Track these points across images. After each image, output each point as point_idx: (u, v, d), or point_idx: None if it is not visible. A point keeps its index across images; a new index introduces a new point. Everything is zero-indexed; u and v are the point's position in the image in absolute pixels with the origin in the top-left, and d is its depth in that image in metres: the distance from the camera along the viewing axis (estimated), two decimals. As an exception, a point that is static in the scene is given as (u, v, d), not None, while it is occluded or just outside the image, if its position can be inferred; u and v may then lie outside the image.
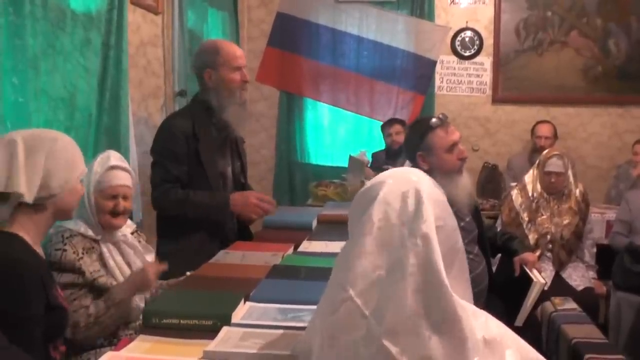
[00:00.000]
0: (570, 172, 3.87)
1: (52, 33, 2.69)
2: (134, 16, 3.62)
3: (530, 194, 3.89)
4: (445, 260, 1.12)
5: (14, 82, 2.40)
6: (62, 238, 2.20)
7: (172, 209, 2.90)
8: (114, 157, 2.38)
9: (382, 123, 5.38)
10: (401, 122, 5.29)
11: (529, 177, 3.96)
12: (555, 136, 5.30)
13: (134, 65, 3.60)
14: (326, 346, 1.14)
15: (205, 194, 2.90)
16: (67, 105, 2.82)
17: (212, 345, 1.53)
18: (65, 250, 2.17)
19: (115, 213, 2.32)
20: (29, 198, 1.82)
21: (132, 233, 2.49)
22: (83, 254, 2.21)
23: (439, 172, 2.76)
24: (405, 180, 1.20)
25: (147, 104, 3.90)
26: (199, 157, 2.89)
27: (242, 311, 1.78)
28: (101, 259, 2.29)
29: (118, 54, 3.19)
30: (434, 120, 2.81)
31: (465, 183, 2.78)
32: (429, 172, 2.85)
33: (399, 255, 1.11)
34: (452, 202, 2.68)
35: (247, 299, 1.87)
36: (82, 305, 2.15)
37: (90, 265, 2.21)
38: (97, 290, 2.22)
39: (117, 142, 3.09)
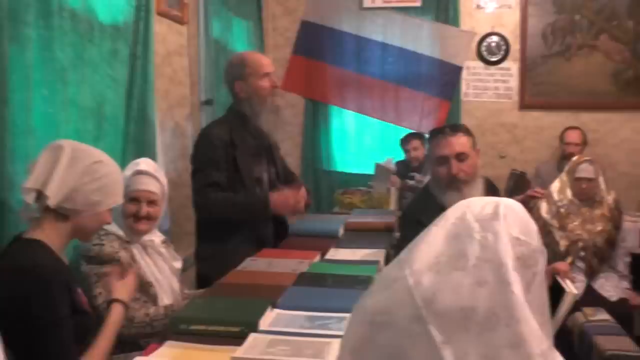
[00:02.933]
0: (601, 179, 3.81)
1: (80, 45, 2.73)
2: (160, 27, 3.65)
3: (558, 201, 3.82)
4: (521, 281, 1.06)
5: (43, 94, 2.43)
6: (98, 235, 2.28)
7: (214, 211, 2.98)
8: (143, 163, 2.49)
9: (400, 138, 5.38)
10: (419, 136, 5.26)
11: (556, 186, 3.88)
12: (584, 142, 5.22)
13: (160, 75, 3.63)
14: (367, 322, 1.10)
15: (245, 194, 2.99)
16: (95, 115, 2.86)
17: (240, 351, 1.53)
18: (102, 244, 2.28)
19: (137, 217, 2.38)
20: (51, 202, 1.86)
21: (162, 243, 2.56)
22: (119, 249, 2.31)
23: (434, 180, 2.74)
24: (489, 198, 1.19)
25: (174, 113, 3.93)
26: (236, 163, 2.99)
27: (269, 318, 1.78)
28: (133, 260, 2.35)
29: (145, 64, 3.22)
30: (437, 128, 2.81)
31: (459, 199, 2.59)
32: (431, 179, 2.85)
33: (464, 245, 1.07)
34: None
35: (274, 306, 1.87)
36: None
37: (126, 260, 2.30)
38: (136, 283, 2.29)
39: (144, 151, 3.12)
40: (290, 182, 3.30)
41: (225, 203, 2.94)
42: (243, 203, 2.97)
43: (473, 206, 1.14)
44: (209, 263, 2.94)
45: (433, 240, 1.11)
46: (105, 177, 1.95)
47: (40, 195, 1.87)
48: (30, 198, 1.89)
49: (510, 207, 1.13)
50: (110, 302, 2.06)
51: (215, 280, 2.28)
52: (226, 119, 3.16)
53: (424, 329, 1.02)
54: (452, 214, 1.14)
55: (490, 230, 1.08)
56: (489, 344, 1.00)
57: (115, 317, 2.02)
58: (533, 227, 1.14)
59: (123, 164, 2.66)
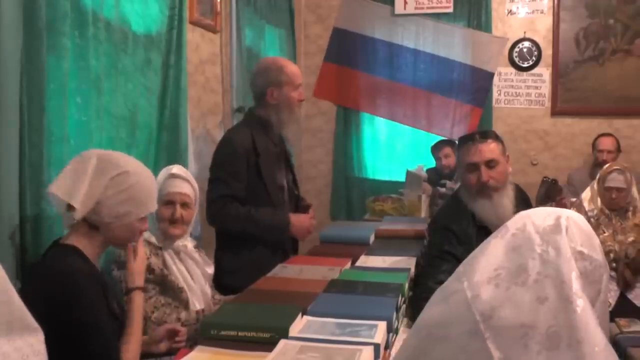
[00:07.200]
0: (634, 188, 3.72)
1: (114, 54, 2.77)
2: (192, 35, 3.70)
3: (589, 211, 3.74)
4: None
5: (77, 102, 2.48)
6: None
7: (233, 225, 2.95)
8: (175, 168, 2.53)
9: (431, 145, 5.35)
10: (451, 143, 5.21)
11: (587, 194, 3.81)
12: (618, 150, 5.13)
13: (193, 83, 3.68)
14: (424, 335, 1.07)
15: (267, 213, 2.96)
16: (128, 123, 2.90)
17: (270, 358, 1.54)
18: None
19: (173, 220, 2.40)
20: (78, 215, 1.88)
21: (194, 248, 2.59)
22: (150, 255, 2.33)
23: (464, 187, 2.72)
24: (551, 209, 1.14)
25: (206, 120, 3.97)
26: (259, 171, 2.96)
27: (300, 325, 1.78)
28: (165, 266, 2.36)
29: (177, 72, 3.26)
30: (466, 135, 2.79)
31: (489, 207, 2.60)
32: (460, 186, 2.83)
33: (525, 259, 1.03)
34: (481, 221, 2.60)
35: (304, 312, 1.87)
36: (161, 303, 2.30)
37: (157, 266, 2.33)
38: (168, 288, 2.34)
39: (176, 158, 3.16)
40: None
41: (245, 219, 2.91)
42: (264, 222, 2.94)
43: (534, 217, 1.10)
44: (229, 274, 2.86)
45: (492, 252, 1.08)
46: (132, 188, 1.94)
47: (69, 206, 1.90)
48: (55, 202, 1.93)
49: (573, 219, 1.09)
50: (129, 291, 2.05)
51: (238, 292, 2.29)
52: (247, 124, 3.10)
53: (482, 345, 0.98)
54: (513, 224, 1.11)
55: (551, 243, 1.04)
56: None
57: (139, 303, 2.02)
58: (596, 240, 1.09)
59: (155, 172, 2.69)
